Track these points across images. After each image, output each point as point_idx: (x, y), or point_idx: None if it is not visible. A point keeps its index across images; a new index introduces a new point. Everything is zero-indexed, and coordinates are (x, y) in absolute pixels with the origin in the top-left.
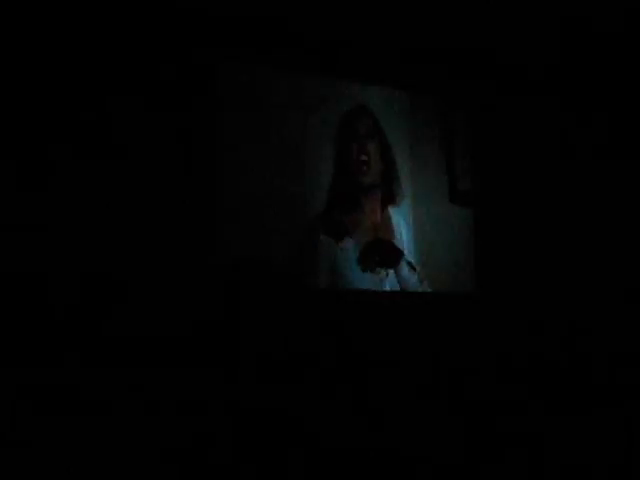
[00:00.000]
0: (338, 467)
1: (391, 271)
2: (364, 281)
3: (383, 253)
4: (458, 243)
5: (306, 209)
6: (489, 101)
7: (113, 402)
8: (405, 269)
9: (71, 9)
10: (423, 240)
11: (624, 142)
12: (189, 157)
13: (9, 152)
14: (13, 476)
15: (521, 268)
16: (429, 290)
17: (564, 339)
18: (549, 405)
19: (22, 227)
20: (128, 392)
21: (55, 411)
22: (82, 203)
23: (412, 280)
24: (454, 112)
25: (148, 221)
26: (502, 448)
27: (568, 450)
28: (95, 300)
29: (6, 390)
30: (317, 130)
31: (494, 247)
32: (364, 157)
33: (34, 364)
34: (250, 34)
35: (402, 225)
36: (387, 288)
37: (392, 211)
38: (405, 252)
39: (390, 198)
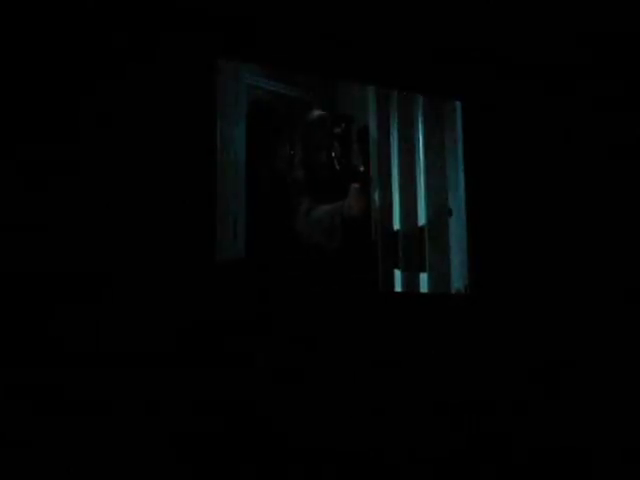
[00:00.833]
0: (338, 467)
1: None
2: None
3: None
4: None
5: None
6: (485, 100)
7: (113, 402)
8: None
9: (71, 7)
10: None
11: (624, 142)
12: (189, 157)
13: (7, 151)
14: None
15: (517, 269)
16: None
17: (562, 339)
18: (549, 405)
19: (23, 227)
20: (127, 392)
21: (55, 411)
22: (82, 203)
23: None
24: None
25: (148, 221)
26: (502, 448)
27: (568, 449)
28: (95, 300)
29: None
30: None
31: (488, 247)
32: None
33: (33, 364)
34: (250, 34)
35: None
36: None
37: None
38: None
39: None
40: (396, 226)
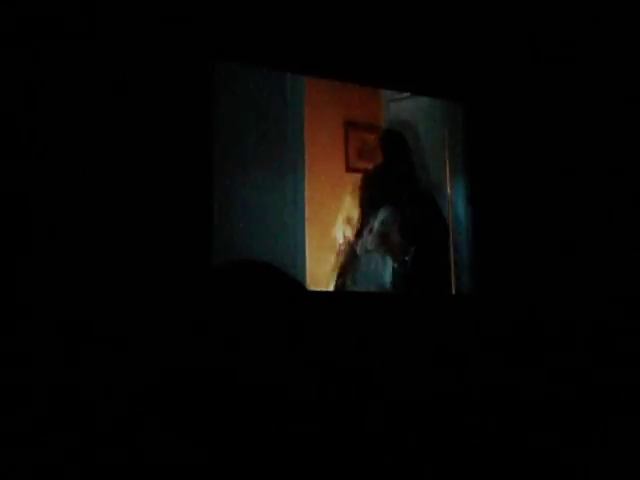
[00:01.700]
0: (337, 467)
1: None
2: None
3: None
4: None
5: None
6: (486, 99)
7: (113, 402)
8: None
9: (71, 6)
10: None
11: (624, 142)
12: (188, 157)
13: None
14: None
15: (520, 269)
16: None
17: (563, 340)
18: (548, 405)
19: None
20: (128, 392)
21: (55, 411)
22: (82, 203)
23: None
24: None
25: (147, 221)
26: (501, 448)
27: (568, 450)
28: (93, 299)
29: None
30: None
31: (493, 247)
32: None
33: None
34: (249, 34)
35: None
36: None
37: None
38: None
39: None
40: None
